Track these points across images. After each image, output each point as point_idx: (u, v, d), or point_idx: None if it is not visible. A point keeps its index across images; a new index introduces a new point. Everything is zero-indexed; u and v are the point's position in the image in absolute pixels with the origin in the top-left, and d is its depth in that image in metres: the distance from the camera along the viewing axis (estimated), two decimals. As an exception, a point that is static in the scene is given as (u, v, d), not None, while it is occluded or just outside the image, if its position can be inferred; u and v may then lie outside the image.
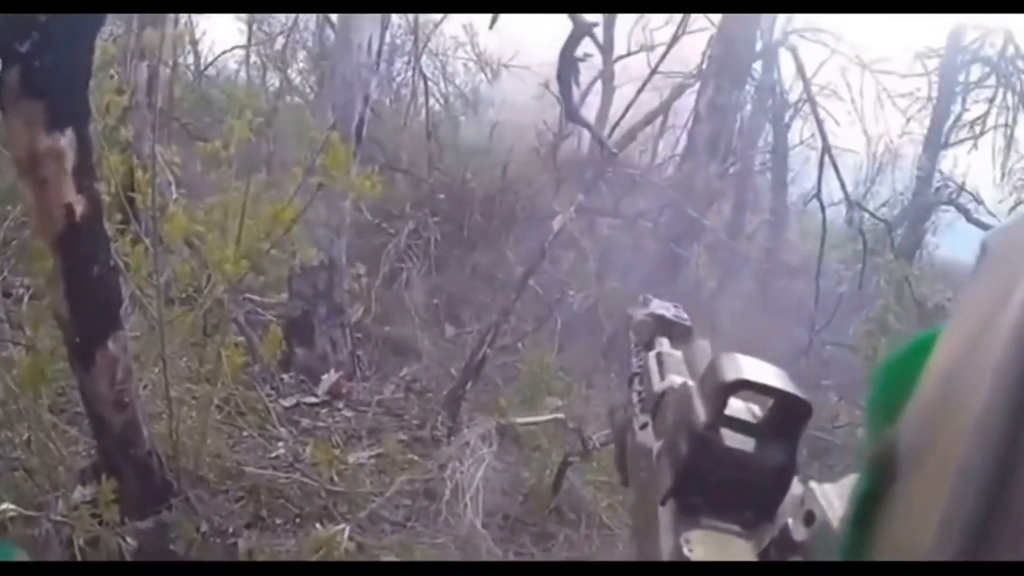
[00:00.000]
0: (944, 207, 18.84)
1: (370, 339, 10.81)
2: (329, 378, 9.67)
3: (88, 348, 5.90)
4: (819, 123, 14.08)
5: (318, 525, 7.41)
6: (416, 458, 8.72)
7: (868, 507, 0.75)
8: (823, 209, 14.25)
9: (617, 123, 14.78)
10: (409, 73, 16.65)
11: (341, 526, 7.36)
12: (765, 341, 11.97)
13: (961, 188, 18.48)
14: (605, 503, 8.59)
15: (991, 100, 18.02)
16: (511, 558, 7.45)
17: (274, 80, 17.41)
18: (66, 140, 5.32)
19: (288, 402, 9.19)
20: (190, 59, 16.42)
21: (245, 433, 8.58)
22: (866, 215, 15.73)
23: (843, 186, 14.62)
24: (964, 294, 0.76)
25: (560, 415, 9.00)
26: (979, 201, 18.15)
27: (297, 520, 7.56)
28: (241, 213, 7.03)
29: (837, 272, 15.21)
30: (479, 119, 18.42)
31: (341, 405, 9.50)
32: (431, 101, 16.30)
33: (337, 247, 10.00)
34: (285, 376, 9.57)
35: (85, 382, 6.07)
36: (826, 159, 14.00)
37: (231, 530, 7.03)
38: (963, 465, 0.64)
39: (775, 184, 16.59)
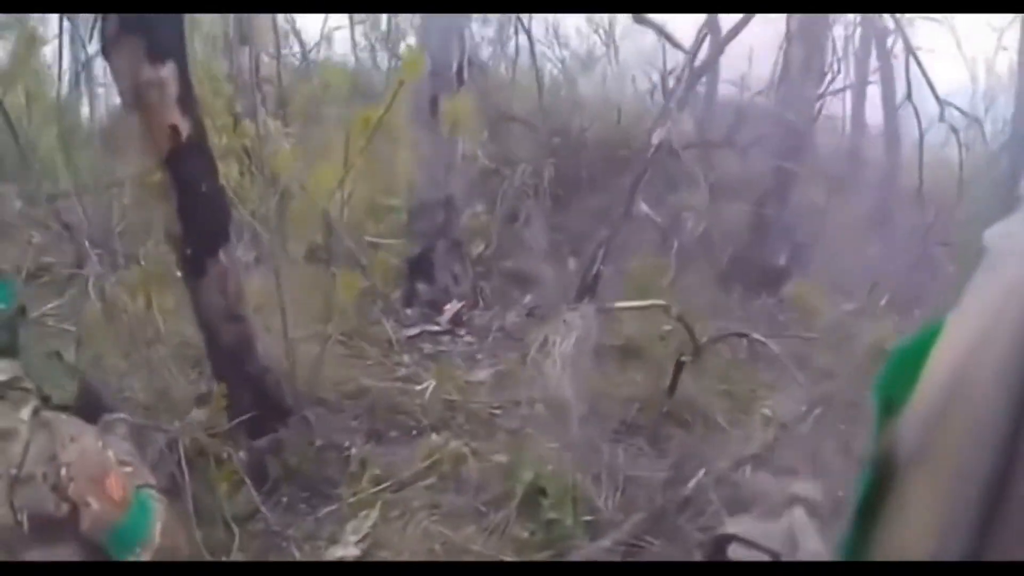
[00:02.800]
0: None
1: (491, 272, 10.56)
2: (452, 307, 9.47)
3: (199, 259, 5.86)
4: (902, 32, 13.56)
5: (433, 435, 7.19)
6: (534, 372, 8.41)
7: (868, 507, 0.75)
8: (916, 112, 13.76)
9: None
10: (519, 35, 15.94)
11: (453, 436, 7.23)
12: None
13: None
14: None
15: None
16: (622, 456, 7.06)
17: (384, 60, 16.92)
18: (167, 70, 5.38)
19: (412, 331, 8.97)
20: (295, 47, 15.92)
21: (369, 362, 8.37)
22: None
23: (931, 86, 13.94)
24: (966, 293, 0.74)
25: (662, 301, 8.61)
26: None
27: (413, 433, 7.39)
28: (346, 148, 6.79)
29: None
30: (592, 74, 17.95)
31: (463, 332, 9.28)
32: (547, 65, 15.80)
33: (452, 183, 9.78)
34: (409, 311, 9.37)
35: (198, 293, 6.00)
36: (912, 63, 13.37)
37: (346, 444, 6.90)
38: (964, 465, 0.64)
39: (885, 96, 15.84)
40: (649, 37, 15.47)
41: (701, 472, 6.82)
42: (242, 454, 6.11)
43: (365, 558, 5.85)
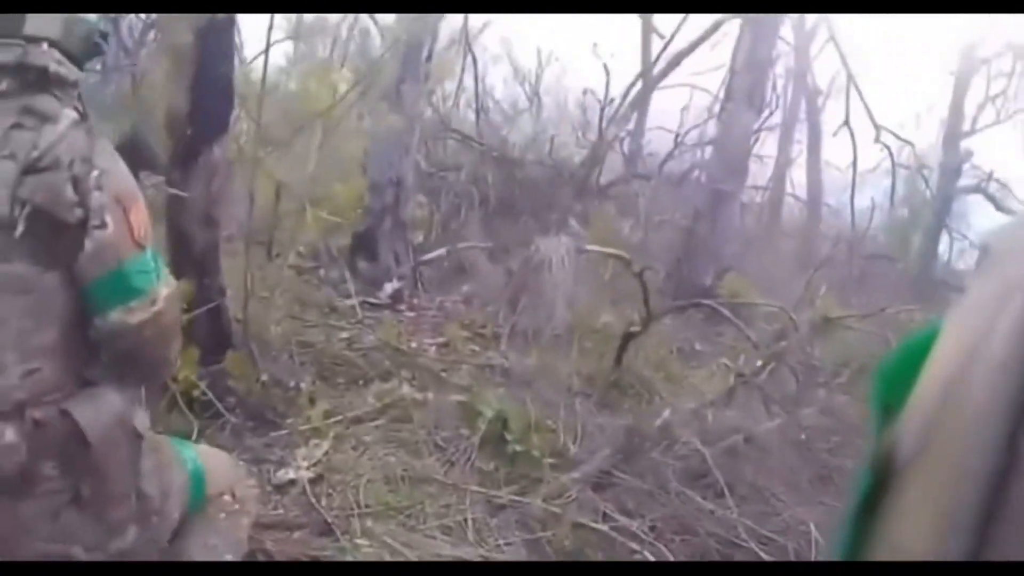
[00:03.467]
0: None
1: (431, 262, 10.37)
2: (392, 285, 9.27)
3: (195, 144, 5.64)
4: (843, 56, 14.03)
5: (383, 383, 7.04)
6: (477, 348, 8.28)
7: (868, 507, 0.73)
8: (852, 135, 14.19)
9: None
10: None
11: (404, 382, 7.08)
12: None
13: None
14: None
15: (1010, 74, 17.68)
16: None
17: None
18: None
19: (353, 300, 8.76)
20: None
21: (312, 324, 8.16)
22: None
23: (868, 111, 14.42)
24: (965, 294, 0.73)
25: (626, 255, 8.67)
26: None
27: (360, 382, 7.19)
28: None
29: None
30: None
31: (403, 307, 9.10)
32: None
33: (406, 164, 9.64)
34: (349, 285, 9.16)
35: (184, 184, 5.73)
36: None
37: (292, 383, 6.71)
38: (963, 465, 0.62)
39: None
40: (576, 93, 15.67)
41: (667, 411, 6.66)
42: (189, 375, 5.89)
43: (318, 482, 5.64)
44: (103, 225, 2.71)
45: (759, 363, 7.67)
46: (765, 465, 6.70)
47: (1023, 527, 0.63)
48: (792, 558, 5.78)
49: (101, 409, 2.89)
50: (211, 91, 5.48)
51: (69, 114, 2.77)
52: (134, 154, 3.14)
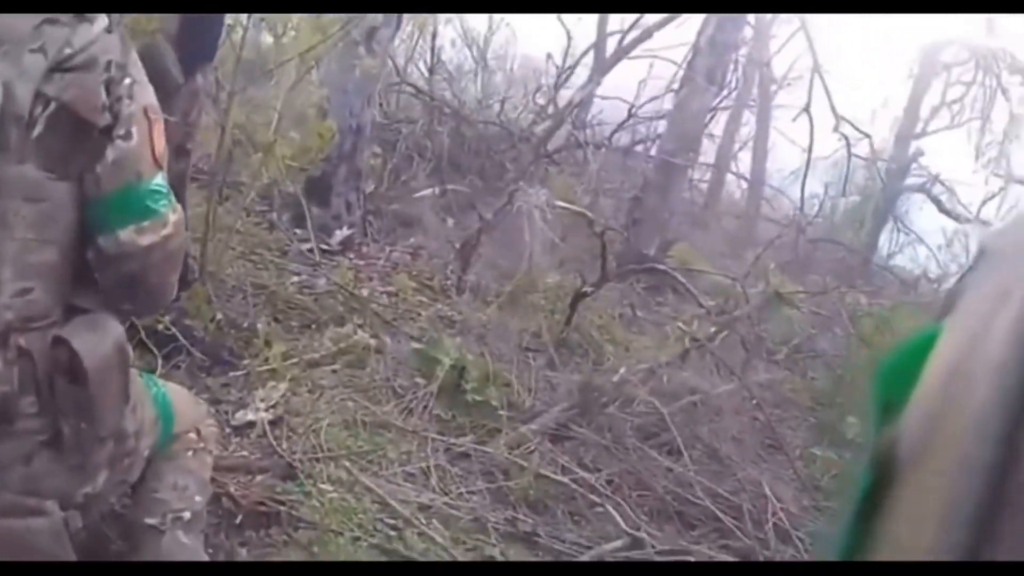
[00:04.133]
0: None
1: (380, 213, 10.23)
2: (342, 232, 9.13)
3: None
4: (810, 41, 14.01)
5: (337, 328, 6.91)
6: (425, 299, 8.18)
7: (868, 507, 0.72)
8: (811, 121, 14.21)
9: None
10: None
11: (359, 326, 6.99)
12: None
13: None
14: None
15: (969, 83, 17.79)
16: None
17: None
18: None
19: (305, 245, 8.61)
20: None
21: (263, 268, 8.00)
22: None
23: (830, 99, 14.48)
24: (964, 294, 0.74)
25: (589, 213, 8.82)
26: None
27: (313, 327, 7.06)
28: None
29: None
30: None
31: (352, 255, 8.96)
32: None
33: (366, 114, 9.53)
34: (299, 230, 9.00)
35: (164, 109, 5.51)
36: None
37: (247, 324, 6.61)
38: (963, 464, 0.61)
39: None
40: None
41: (623, 368, 6.64)
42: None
43: (278, 425, 5.55)
44: (128, 136, 2.57)
45: (712, 329, 7.63)
46: (718, 426, 6.69)
47: (1022, 526, 0.62)
48: (746, 517, 5.79)
49: (102, 338, 2.73)
50: (202, 19, 5.23)
51: (104, 17, 2.61)
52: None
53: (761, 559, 5.50)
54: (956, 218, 17.37)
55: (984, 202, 17.66)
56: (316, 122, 8.03)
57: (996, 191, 17.80)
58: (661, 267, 9.49)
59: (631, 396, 6.48)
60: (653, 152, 13.17)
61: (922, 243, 17.68)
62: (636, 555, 5.26)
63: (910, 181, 18.37)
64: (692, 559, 5.37)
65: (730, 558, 5.51)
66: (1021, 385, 0.61)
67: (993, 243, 0.77)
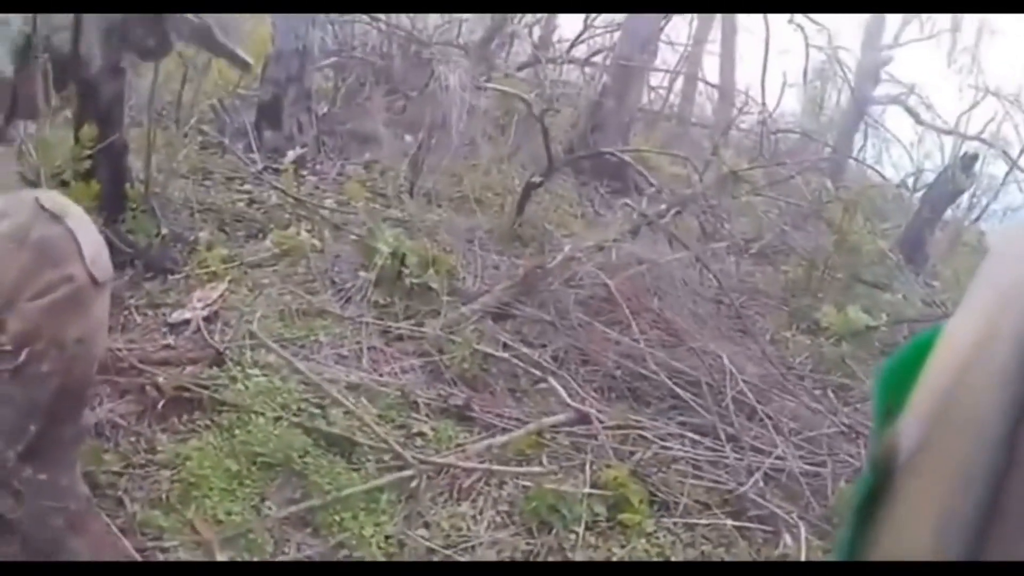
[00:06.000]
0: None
1: (334, 133, 9.96)
2: (294, 152, 8.86)
3: None
4: None
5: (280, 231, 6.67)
6: (377, 207, 7.94)
7: (868, 507, 0.70)
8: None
9: None
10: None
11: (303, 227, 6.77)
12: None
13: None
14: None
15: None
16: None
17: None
18: None
19: (256, 167, 8.34)
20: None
21: (212, 187, 7.75)
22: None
23: None
24: (967, 294, 0.70)
25: (525, 95, 8.76)
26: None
27: (260, 236, 6.83)
28: None
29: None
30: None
31: (305, 173, 8.69)
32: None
33: (312, 36, 9.21)
34: (255, 155, 8.74)
35: None
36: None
37: (192, 237, 6.41)
38: (964, 465, 0.61)
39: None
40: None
41: (568, 246, 6.39)
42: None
43: (212, 321, 5.33)
44: None
45: (663, 206, 7.39)
46: (671, 297, 6.44)
47: (1022, 527, 0.60)
48: (705, 391, 5.55)
49: None
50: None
51: None
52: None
53: (723, 435, 5.24)
54: (931, 128, 16.98)
55: (963, 114, 17.14)
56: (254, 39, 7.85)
57: (971, 102, 17.36)
58: (608, 151, 9.05)
59: (577, 271, 6.26)
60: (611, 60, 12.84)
61: (897, 142, 17.30)
62: (581, 430, 5.01)
63: (884, 92, 17.87)
64: (647, 435, 5.13)
65: (688, 433, 5.26)
66: (1022, 390, 0.59)
67: (996, 245, 0.74)
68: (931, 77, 17.71)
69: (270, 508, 3.98)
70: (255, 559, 3.72)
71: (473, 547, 4.05)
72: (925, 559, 0.62)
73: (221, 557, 3.65)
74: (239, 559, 3.70)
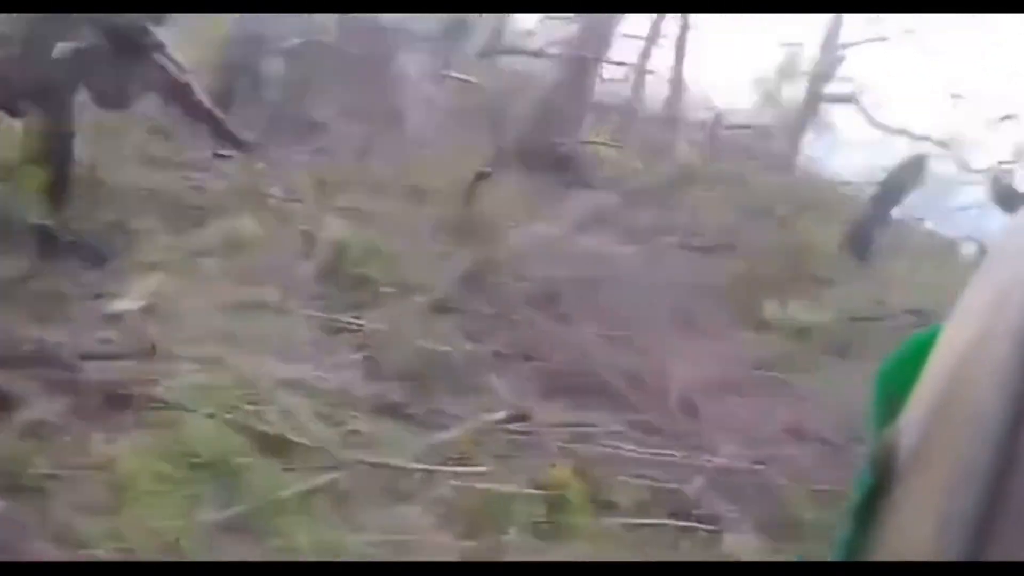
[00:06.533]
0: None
1: (285, 120, 9.76)
2: (244, 136, 8.73)
3: None
4: None
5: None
6: (324, 196, 7.86)
7: (868, 507, 0.70)
8: None
9: None
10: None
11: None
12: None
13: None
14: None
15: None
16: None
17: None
18: None
19: (205, 153, 8.24)
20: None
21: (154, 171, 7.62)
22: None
23: None
24: (965, 294, 0.71)
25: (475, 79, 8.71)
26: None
27: (205, 223, 6.67)
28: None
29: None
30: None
31: (255, 161, 8.58)
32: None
33: (267, 22, 9.31)
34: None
35: None
36: None
37: (135, 224, 6.27)
38: (964, 465, 0.61)
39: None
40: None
41: (517, 238, 6.33)
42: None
43: (150, 311, 5.18)
44: None
45: (614, 199, 7.33)
46: (619, 293, 6.37)
47: (1023, 527, 0.60)
48: (650, 389, 5.49)
49: None
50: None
51: None
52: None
53: (666, 434, 5.17)
54: (885, 129, 16.92)
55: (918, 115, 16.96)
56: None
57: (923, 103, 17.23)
58: (560, 143, 8.96)
59: (524, 265, 6.26)
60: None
61: (848, 141, 17.22)
62: (521, 427, 4.90)
63: (837, 90, 17.69)
64: (592, 430, 5.04)
65: (632, 432, 5.18)
66: (1021, 388, 0.60)
67: (993, 245, 0.77)
68: (885, 78, 17.44)
69: (204, 514, 3.84)
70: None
71: (411, 551, 3.94)
72: (926, 558, 0.62)
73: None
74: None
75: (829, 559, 0.78)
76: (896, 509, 0.68)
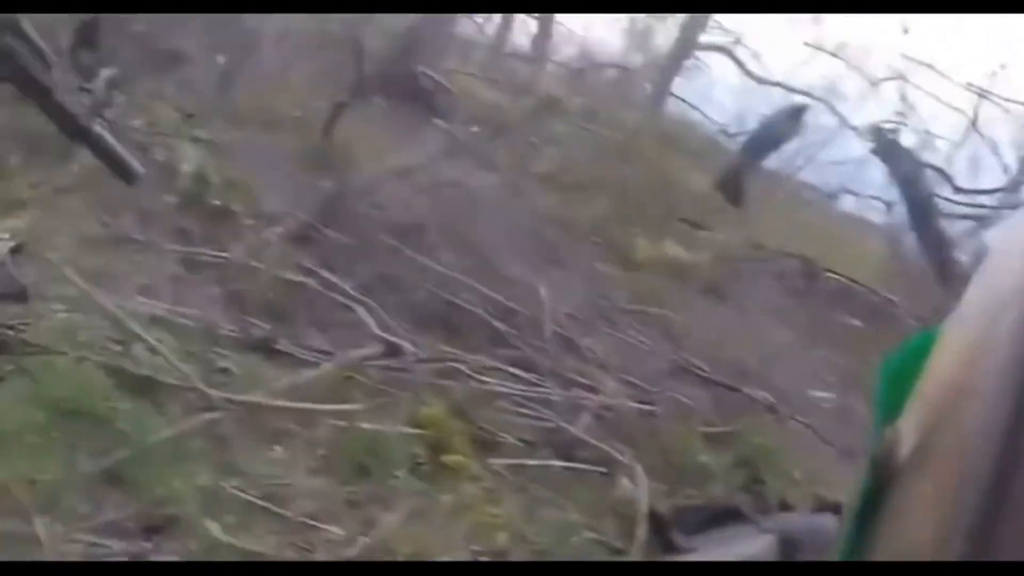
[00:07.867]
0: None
1: (147, 51, 9.40)
2: (107, 72, 8.32)
3: None
4: None
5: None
6: (185, 127, 7.61)
7: (868, 507, 0.68)
8: None
9: None
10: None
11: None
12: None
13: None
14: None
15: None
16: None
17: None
18: None
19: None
20: None
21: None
22: None
23: None
24: (966, 294, 0.69)
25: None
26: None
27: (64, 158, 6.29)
28: None
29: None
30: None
31: (115, 91, 8.21)
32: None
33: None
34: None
35: None
36: None
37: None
38: (965, 465, 0.60)
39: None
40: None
41: (375, 167, 6.40)
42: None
43: (18, 253, 4.92)
44: None
45: (475, 128, 7.16)
46: (483, 225, 6.22)
47: (1023, 528, 0.58)
48: (522, 323, 5.35)
49: None
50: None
51: None
52: None
53: (543, 370, 5.04)
54: (761, 80, 16.74)
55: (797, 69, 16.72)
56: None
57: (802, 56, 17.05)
58: (422, 72, 8.81)
59: (384, 194, 6.20)
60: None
61: (720, 87, 17.03)
62: (394, 363, 4.81)
63: (709, 39, 17.36)
64: (463, 368, 4.89)
65: (507, 367, 5.04)
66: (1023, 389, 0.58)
67: (995, 244, 0.72)
68: (765, 27, 17.12)
69: (81, 464, 3.63)
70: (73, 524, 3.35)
71: (293, 498, 3.74)
72: (928, 559, 0.60)
73: (38, 523, 3.27)
74: (57, 525, 3.32)
75: (828, 559, 0.76)
76: (898, 508, 0.66)
